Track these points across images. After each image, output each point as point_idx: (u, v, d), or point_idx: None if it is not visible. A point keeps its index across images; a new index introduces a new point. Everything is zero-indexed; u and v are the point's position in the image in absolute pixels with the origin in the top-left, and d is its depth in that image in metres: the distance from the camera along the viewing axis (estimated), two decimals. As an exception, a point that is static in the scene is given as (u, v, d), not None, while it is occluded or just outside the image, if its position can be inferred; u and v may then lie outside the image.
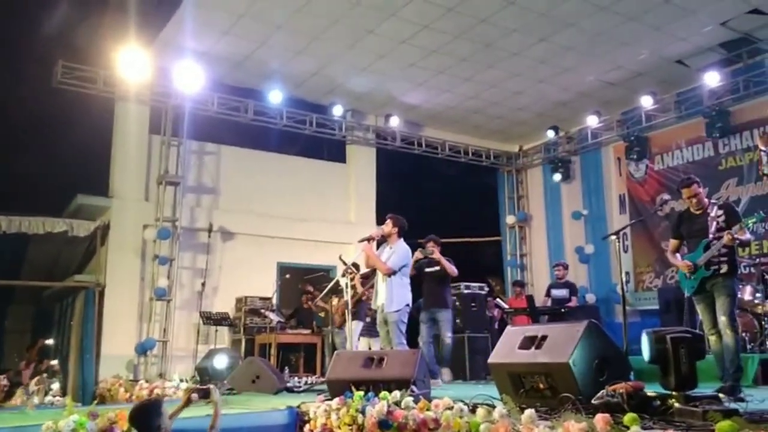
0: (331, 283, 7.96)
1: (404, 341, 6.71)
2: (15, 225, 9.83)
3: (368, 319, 8.97)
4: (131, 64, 9.75)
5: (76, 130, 10.33)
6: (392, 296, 6.68)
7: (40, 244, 10.88)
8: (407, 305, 6.79)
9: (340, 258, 7.72)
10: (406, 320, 6.79)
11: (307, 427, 4.79)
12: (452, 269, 8.11)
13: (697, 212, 5.57)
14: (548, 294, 10.65)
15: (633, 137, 11.84)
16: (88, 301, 10.25)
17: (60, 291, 11.94)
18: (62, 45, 9.86)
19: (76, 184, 10.65)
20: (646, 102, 11.21)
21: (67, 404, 4.63)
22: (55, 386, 7.28)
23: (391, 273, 6.68)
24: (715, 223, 5.36)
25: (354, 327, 8.44)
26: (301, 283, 10.01)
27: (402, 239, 6.91)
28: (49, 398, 6.36)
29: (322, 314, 9.94)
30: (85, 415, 3.96)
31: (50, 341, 12.87)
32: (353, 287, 7.72)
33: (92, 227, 10.41)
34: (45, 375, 8.42)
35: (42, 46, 9.79)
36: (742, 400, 4.35)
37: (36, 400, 6.08)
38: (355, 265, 8.09)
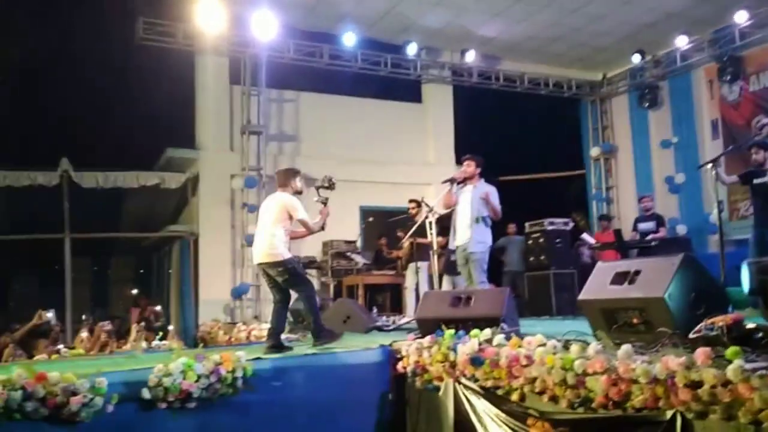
0: (416, 225, 7.99)
1: (485, 280, 6.74)
2: (110, 180, 10.37)
3: (453, 257, 9.01)
4: (208, 16, 9.87)
5: (161, 84, 10.64)
6: (478, 236, 6.72)
7: (135, 197, 11.43)
8: (490, 246, 6.86)
9: (422, 200, 7.74)
10: (487, 258, 6.85)
11: (400, 364, 4.94)
12: None
13: None
14: (635, 228, 10.36)
15: (726, 57, 11.12)
16: (183, 249, 10.81)
17: (157, 241, 12.56)
18: (141, 0, 10.09)
19: (165, 138, 11.05)
20: (740, 18, 10.45)
21: (175, 348, 4.93)
22: (171, 328, 7.77)
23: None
24: None
25: (424, 268, 8.54)
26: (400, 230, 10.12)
27: (483, 180, 6.89)
28: (156, 342, 6.79)
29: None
30: (192, 358, 4.21)
31: (134, 291, 13.66)
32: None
33: (183, 179, 10.84)
34: (147, 322, 8.94)
35: (123, 3, 10.04)
36: None
37: (144, 344, 6.49)
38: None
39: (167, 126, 11.26)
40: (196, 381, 4.12)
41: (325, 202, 6.01)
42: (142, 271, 15.20)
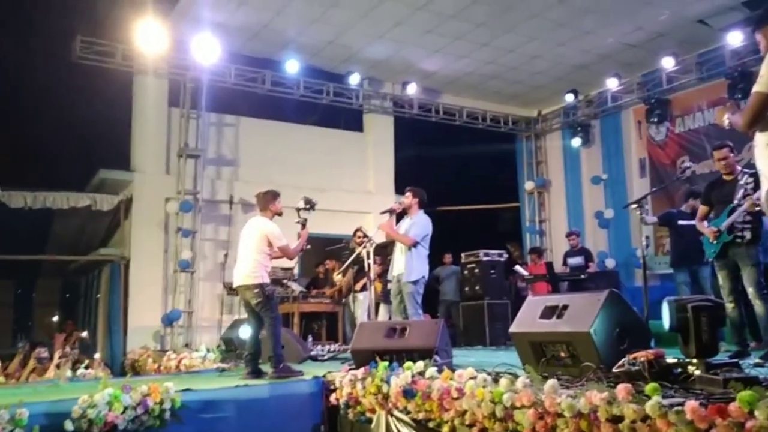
0: (353, 256, 8.01)
1: (420, 312, 6.68)
2: (39, 200, 10.01)
3: (389, 287, 9.06)
4: (149, 37, 9.73)
5: (96, 104, 10.42)
6: (411, 267, 6.64)
7: (65, 219, 11.07)
8: (424, 277, 6.74)
9: (360, 230, 7.76)
10: (422, 291, 6.74)
11: (333, 396, 4.92)
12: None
13: (728, 178, 5.53)
14: (565, 263, 10.68)
15: (654, 100, 11.67)
16: (113, 274, 10.51)
17: (85, 264, 12.19)
18: (80, 19, 9.90)
19: (98, 159, 10.79)
20: (667, 63, 11.01)
21: (101, 377, 4.79)
22: (97, 356, 7.53)
23: (414, 244, 6.69)
24: (742, 190, 5.31)
25: (362, 298, 8.55)
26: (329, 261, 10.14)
27: (422, 210, 6.91)
28: (81, 371, 6.55)
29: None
30: (119, 388, 4.10)
31: (55, 318, 13.21)
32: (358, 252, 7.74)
33: (115, 201, 10.56)
34: (74, 349, 8.64)
35: (60, 21, 9.83)
36: (761, 365, 4.37)
37: (69, 373, 6.26)
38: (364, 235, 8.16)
39: (102, 147, 11.01)
40: (123, 413, 4.02)
41: (304, 224, 6.08)
42: (68, 295, 14.66)
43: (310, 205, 6.22)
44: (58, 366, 7.22)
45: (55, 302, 14.92)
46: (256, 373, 5.52)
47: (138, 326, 10.16)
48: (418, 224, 6.76)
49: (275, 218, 6.02)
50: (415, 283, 6.61)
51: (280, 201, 6.02)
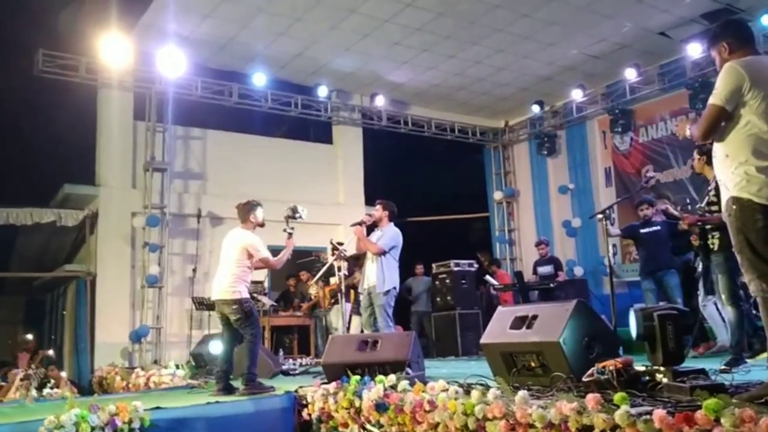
0: (325, 267, 7.98)
1: (392, 324, 6.63)
2: (2, 216, 9.85)
3: (361, 297, 9.05)
4: (113, 51, 9.63)
5: (60, 118, 10.27)
6: (382, 277, 6.62)
7: (29, 235, 10.87)
8: (395, 287, 6.71)
9: (332, 242, 7.74)
10: (393, 303, 6.70)
11: (305, 411, 4.89)
12: None
13: (709, 178, 5.48)
14: (535, 272, 10.79)
15: (617, 110, 11.88)
16: (79, 290, 10.33)
17: (51, 281, 11.94)
18: (42, 33, 9.77)
19: (63, 174, 10.62)
20: (630, 74, 11.23)
21: (68, 397, 4.69)
22: (64, 374, 7.36)
23: (381, 253, 6.70)
24: (707, 197, 5.38)
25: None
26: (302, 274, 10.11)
27: (392, 223, 6.93)
28: (47, 391, 6.41)
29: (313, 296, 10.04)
30: (86, 408, 4.01)
31: (30, 336, 12.91)
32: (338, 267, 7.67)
33: (80, 216, 10.41)
34: (39, 368, 8.45)
35: (22, 35, 9.68)
36: (727, 371, 4.45)
37: (34, 393, 6.12)
38: (340, 243, 8.12)
39: (66, 161, 10.84)
40: (90, 433, 3.93)
41: (291, 233, 5.99)
42: (33, 312, 14.33)
43: (297, 214, 6.15)
44: (25, 387, 7.06)
45: (19, 320, 14.58)
46: (227, 390, 5.44)
47: (105, 343, 9.99)
48: (387, 235, 6.79)
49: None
50: (386, 293, 6.59)
51: (262, 212, 5.89)
